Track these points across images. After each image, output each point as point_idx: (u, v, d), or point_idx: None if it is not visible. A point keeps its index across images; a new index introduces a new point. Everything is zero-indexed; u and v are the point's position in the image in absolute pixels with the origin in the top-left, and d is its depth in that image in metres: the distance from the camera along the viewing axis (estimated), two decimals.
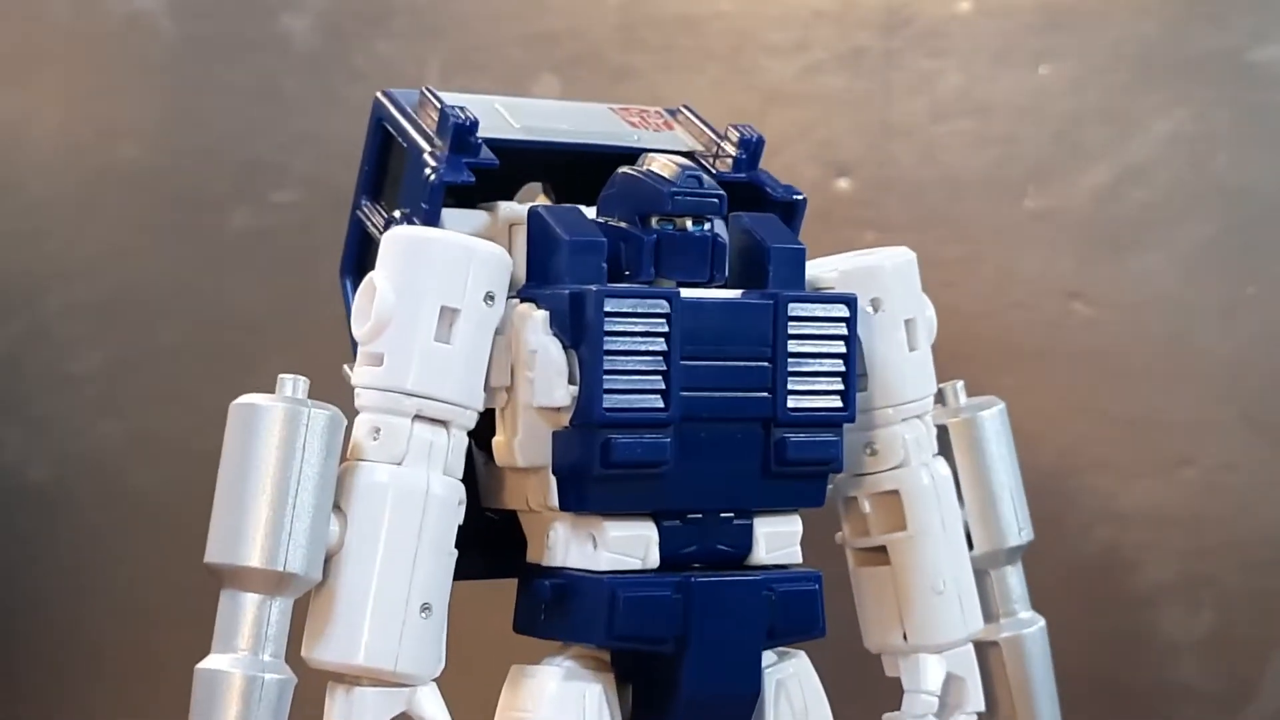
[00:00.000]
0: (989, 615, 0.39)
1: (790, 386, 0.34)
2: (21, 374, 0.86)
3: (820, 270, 0.38)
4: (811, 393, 0.34)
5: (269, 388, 0.79)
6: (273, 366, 0.77)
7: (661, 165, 0.35)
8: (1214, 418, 0.78)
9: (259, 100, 0.83)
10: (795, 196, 0.38)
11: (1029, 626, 0.40)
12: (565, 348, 0.34)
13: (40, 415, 0.86)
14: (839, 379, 0.34)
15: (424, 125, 0.37)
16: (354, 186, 0.75)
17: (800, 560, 0.36)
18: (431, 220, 0.35)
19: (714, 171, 0.39)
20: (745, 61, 0.79)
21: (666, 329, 0.33)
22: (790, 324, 0.34)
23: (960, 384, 0.39)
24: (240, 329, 0.83)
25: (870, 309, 0.37)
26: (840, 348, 0.35)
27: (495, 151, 0.36)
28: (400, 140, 0.37)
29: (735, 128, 0.40)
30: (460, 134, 0.35)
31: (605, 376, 0.32)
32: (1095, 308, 0.79)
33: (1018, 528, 0.38)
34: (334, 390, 0.76)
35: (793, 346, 0.34)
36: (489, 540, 0.36)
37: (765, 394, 0.34)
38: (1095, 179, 0.78)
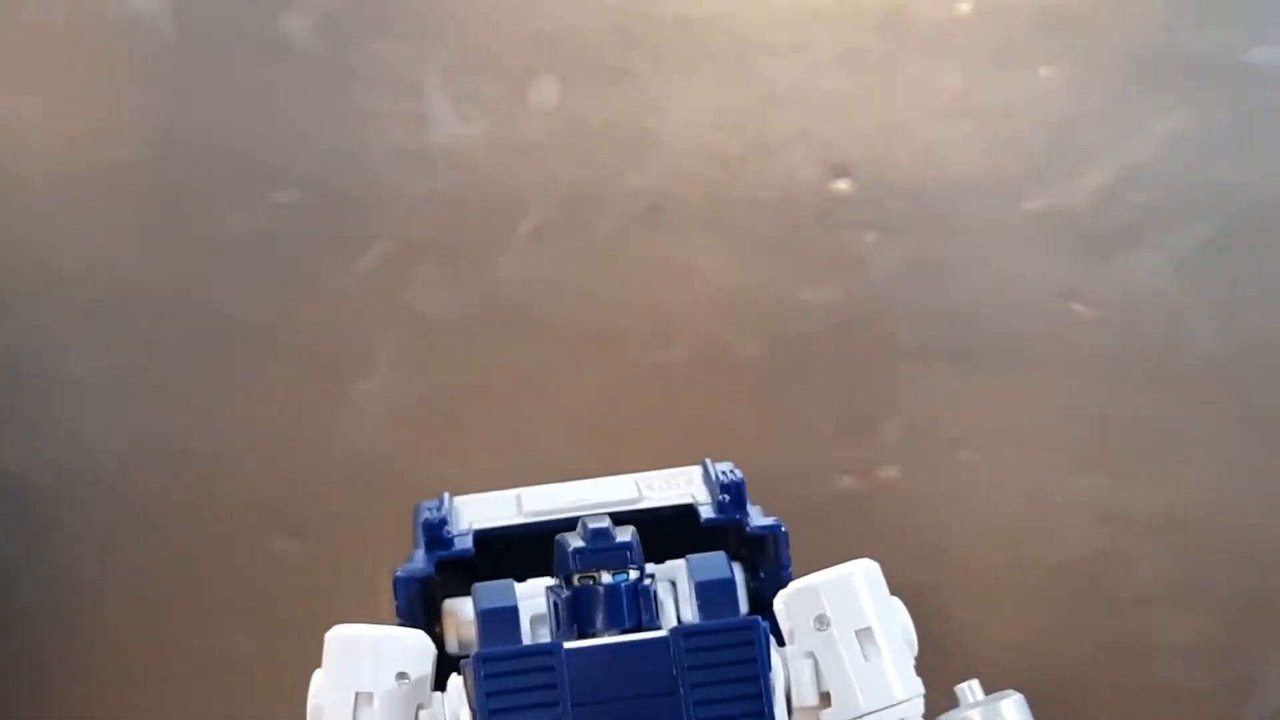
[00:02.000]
0: None
1: (699, 710, 0.33)
2: (21, 376, 0.82)
3: (781, 594, 0.37)
4: (725, 713, 0.34)
5: (270, 390, 0.80)
6: (273, 368, 0.80)
7: (580, 528, 0.36)
8: (1212, 418, 0.77)
9: (259, 101, 0.80)
10: (777, 529, 0.38)
11: None
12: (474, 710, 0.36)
13: (40, 418, 0.82)
14: (752, 701, 0.34)
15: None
16: (354, 195, 0.78)
17: None
18: (401, 611, 0.38)
19: (702, 520, 0.39)
20: (744, 62, 0.78)
21: (552, 681, 0.33)
22: (689, 656, 0.33)
23: (975, 683, 0.37)
24: (240, 331, 0.81)
25: (818, 626, 0.35)
26: (748, 671, 0.34)
27: (499, 535, 0.39)
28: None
29: (719, 472, 0.40)
30: (428, 530, 0.38)
31: None
32: (1094, 309, 0.77)
33: None
34: (333, 396, 0.79)
35: (696, 678, 0.33)
36: None
37: None
38: (1095, 180, 0.76)
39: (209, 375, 0.82)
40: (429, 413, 0.83)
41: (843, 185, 0.78)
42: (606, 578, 0.35)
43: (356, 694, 0.36)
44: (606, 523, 0.36)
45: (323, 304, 0.80)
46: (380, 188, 0.80)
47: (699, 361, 0.81)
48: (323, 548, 0.83)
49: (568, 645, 0.34)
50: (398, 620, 0.38)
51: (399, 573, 0.38)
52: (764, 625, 0.35)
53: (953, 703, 0.37)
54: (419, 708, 0.36)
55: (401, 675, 0.36)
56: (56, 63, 0.81)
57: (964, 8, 0.76)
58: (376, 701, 0.35)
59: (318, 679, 0.37)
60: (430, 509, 0.39)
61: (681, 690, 0.34)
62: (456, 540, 0.38)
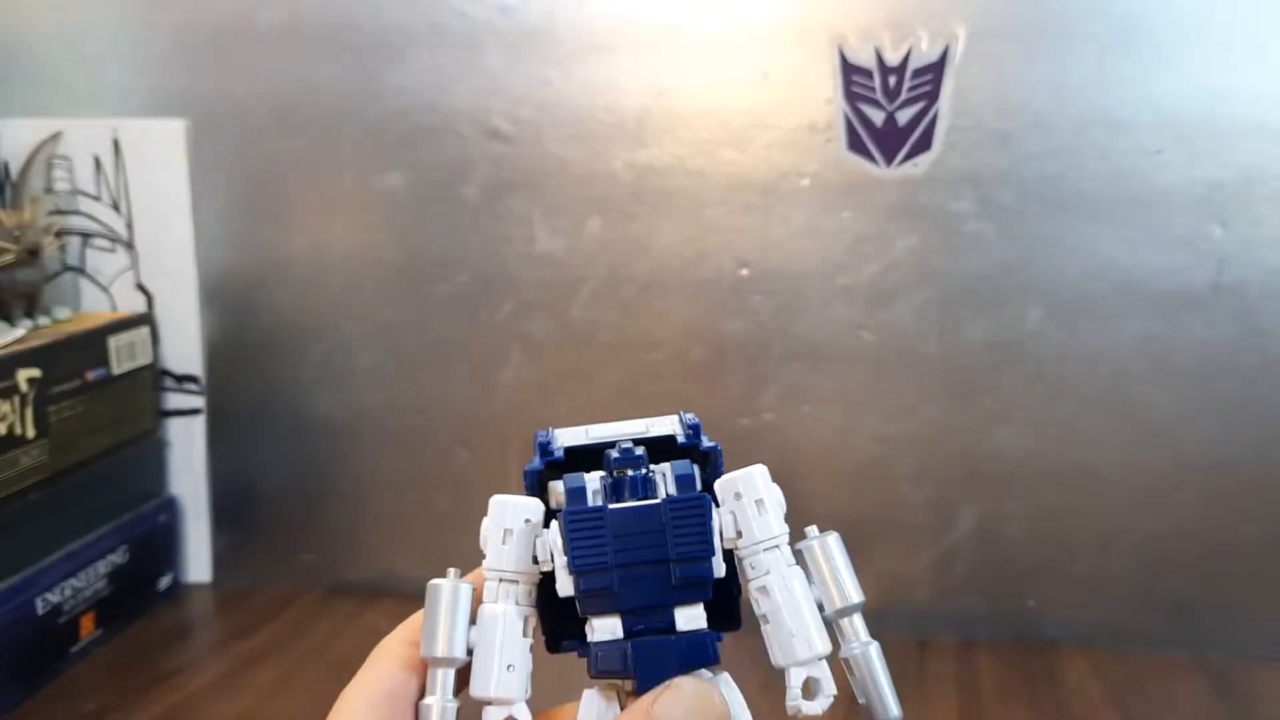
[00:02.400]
0: (845, 643, 0.41)
1: (675, 541, 0.39)
2: (330, 367, 1.00)
3: (717, 481, 0.41)
4: (688, 543, 0.39)
5: (456, 376, 0.96)
6: (458, 365, 0.96)
7: (619, 445, 0.41)
8: (932, 389, 0.93)
9: (450, 229, 0.96)
10: (715, 447, 0.42)
11: (868, 646, 0.42)
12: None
13: (339, 388, 1.01)
14: (701, 535, 0.40)
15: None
16: (497, 277, 0.94)
17: (705, 626, 0.40)
18: (526, 488, 0.42)
19: (679, 442, 0.43)
20: (696, 210, 0.93)
21: (602, 524, 0.39)
22: (671, 513, 0.40)
23: (814, 527, 0.42)
24: (438, 345, 0.98)
25: (736, 498, 0.41)
26: (700, 520, 0.40)
27: (578, 449, 0.42)
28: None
29: (687, 419, 0.43)
30: (541, 446, 0.42)
31: (573, 549, 0.39)
32: (872, 334, 0.93)
33: (848, 595, 0.41)
34: (488, 379, 0.96)
35: (675, 524, 0.40)
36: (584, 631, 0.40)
37: (662, 547, 0.39)
38: (871, 269, 0.93)
39: (425, 367, 0.98)
40: (538, 388, 0.96)
41: (744, 272, 0.93)
42: (630, 473, 0.41)
43: (504, 529, 0.41)
44: (630, 444, 0.41)
45: (482, 331, 0.96)
46: (510, 273, 0.95)
47: (673, 361, 0.94)
48: (485, 456, 0.98)
49: (610, 506, 0.40)
50: (525, 492, 0.42)
51: (526, 468, 0.42)
52: (708, 498, 0.40)
53: (802, 537, 0.41)
54: (536, 538, 0.41)
55: (528, 520, 0.41)
56: (346, 212, 0.97)
57: (804, 182, 0.91)
58: (515, 534, 0.41)
59: (485, 523, 0.41)
60: (542, 435, 0.43)
61: (667, 531, 0.40)
62: (556, 451, 0.42)
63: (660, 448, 0.43)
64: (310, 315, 0.98)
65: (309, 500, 1.00)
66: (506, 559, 0.42)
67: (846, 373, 0.93)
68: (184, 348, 1.00)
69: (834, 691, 0.40)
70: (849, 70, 0.87)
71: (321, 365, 0.99)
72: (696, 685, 0.39)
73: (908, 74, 0.87)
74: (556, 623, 0.42)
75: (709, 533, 0.40)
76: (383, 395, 0.98)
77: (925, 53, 0.86)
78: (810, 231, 0.91)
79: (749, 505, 0.42)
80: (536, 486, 0.43)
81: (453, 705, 0.41)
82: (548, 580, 0.41)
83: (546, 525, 0.41)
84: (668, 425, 0.44)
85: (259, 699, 0.83)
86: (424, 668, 0.41)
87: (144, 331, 0.98)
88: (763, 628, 0.41)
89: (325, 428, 0.99)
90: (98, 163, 0.98)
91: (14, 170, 0.97)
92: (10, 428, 0.84)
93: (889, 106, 0.89)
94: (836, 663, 0.40)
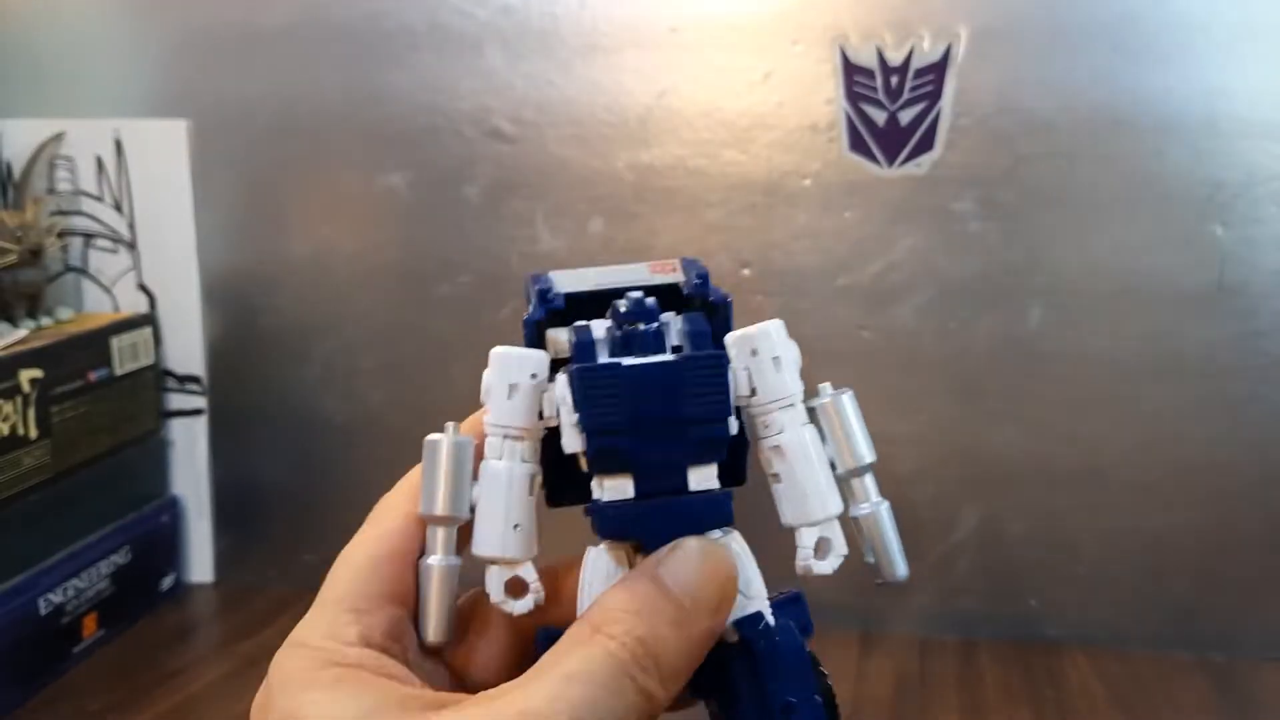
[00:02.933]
0: (855, 503, 0.41)
1: (691, 401, 0.38)
2: (332, 368, 1.01)
3: (729, 336, 0.39)
4: (704, 403, 0.38)
5: (457, 377, 0.95)
6: (456, 367, 0.94)
7: (628, 296, 0.39)
8: (933, 389, 0.93)
9: (452, 229, 0.96)
10: (725, 299, 0.41)
11: (878, 506, 0.42)
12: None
13: (342, 388, 1.01)
14: (719, 394, 0.38)
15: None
16: (499, 277, 0.94)
17: (718, 486, 0.39)
18: (528, 338, 0.40)
19: (684, 292, 0.41)
20: (697, 209, 0.93)
21: (616, 380, 0.37)
22: (688, 371, 0.38)
23: (828, 384, 0.41)
24: (440, 346, 0.98)
25: (752, 354, 0.40)
26: (718, 380, 0.38)
27: (579, 295, 0.40)
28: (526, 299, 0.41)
29: (693, 264, 0.42)
30: (540, 292, 0.40)
31: (585, 407, 0.37)
32: (873, 334, 0.94)
33: (861, 455, 0.41)
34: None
35: (690, 380, 0.38)
36: (585, 485, 0.38)
37: (677, 406, 0.38)
38: (872, 269, 0.93)
39: (424, 369, 0.99)
40: None
41: (746, 272, 0.93)
42: (641, 326, 0.39)
43: (509, 384, 0.39)
44: (640, 294, 0.39)
45: (484, 332, 0.94)
46: (512, 273, 0.94)
47: None
48: None
49: (624, 364, 0.38)
50: (525, 343, 0.41)
51: (526, 318, 0.40)
52: (726, 357, 0.39)
53: (815, 394, 0.40)
54: (542, 392, 0.39)
55: (534, 375, 0.40)
56: (348, 213, 0.99)
57: (806, 183, 0.92)
58: (520, 388, 0.39)
59: (487, 375, 0.39)
60: (540, 280, 0.41)
61: (683, 390, 0.38)
62: (556, 299, 0.41)
63: (665, 293, 0.41)
64: (312, 316, 0.98)
65: (311, 500, 1.00)
66: (511, 414, 0.40)
67: (848, 373, 0.89)
68: (186, 348, 1.00)
69: (845, 551, 0.40)
70: (851, 70, 0.88)
71: (323, 365, 0.99)
72: (703, 545, 0.38)
73: (910, 74, 0.87)
74: (558, 477, 0.41)
75: (727, 393, 0.39)
76: (385, 395, 0.99)
77: (927, 53, 0.87)
78: (812, 232, 0.91)
79: (765, 362, 0.40)
80: (536, 337, 0.41)
81: (455, 564, 0.40)
82: (550, 434, 0.39)
83: (551, 377, 0.39)
84: (671, 271, 0.42)
85: None
86: (425, 526, 0.40)
87: (146, 332, 0.99)
88: (773, 486, 0.40)
89: (327, 428, 1.00)
90: (100, 163, 0.99)
91: (16, 171, 0.98)
92: (13, 428, 0.84)
93: (891, 106, 0.89)
94: (846, 522, 0.40)
